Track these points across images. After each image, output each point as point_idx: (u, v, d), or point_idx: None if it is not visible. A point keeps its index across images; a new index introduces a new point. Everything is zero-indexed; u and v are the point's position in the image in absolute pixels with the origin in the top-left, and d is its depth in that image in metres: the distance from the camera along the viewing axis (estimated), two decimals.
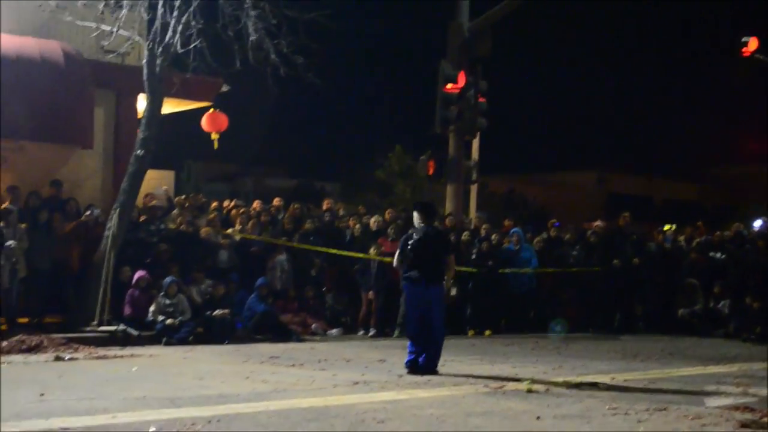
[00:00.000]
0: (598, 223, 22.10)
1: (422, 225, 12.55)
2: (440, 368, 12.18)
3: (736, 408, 9.59)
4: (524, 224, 22.49)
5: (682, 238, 21.97)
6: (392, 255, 18.14)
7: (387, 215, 20.05)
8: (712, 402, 10.04)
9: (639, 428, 8.44)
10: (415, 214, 12.76)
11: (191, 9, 15.19)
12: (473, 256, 19.18)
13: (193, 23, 15.22)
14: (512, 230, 20.47)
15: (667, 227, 23.67)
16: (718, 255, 20.77)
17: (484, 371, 12.24)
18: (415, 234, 12.46)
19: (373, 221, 19.42)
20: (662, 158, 67.56)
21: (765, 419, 8.96)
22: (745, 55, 27.21)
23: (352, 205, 25.26)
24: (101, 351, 13.55)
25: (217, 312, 16.04)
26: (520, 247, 19.86)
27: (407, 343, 12.37)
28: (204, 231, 17.71)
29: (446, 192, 22.40)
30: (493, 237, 19.89)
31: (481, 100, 21.37)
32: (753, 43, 27.11)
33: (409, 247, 12.36)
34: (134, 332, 15.24)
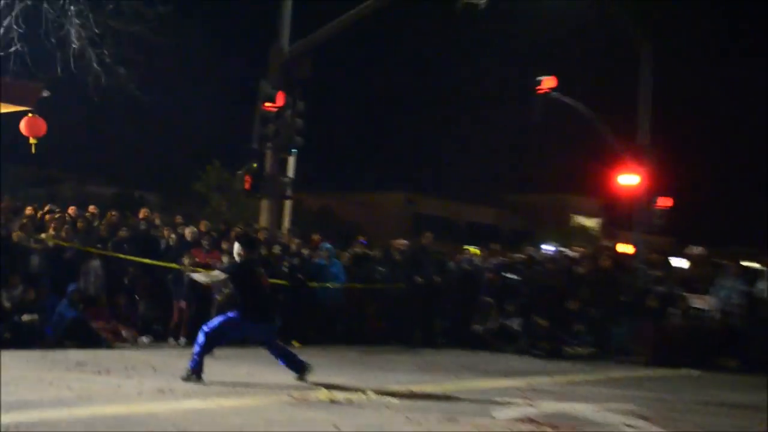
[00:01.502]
0: (402, 241, 22.28)
1: (243, 258, 12.47)
2: (246, 378, 12.05)
3: (521, 420, 9.81)
4: (335, 240, 22.49)
5: (478, 258, 22.37)
6: (206, 266, 17.96)
7: (202, 227, 19.69)
8: (500, 414, 10.23)
9: None
10: (236, 246, 12.59)
11: (13, 13, 14.55)
12: (284, 269, 19.04)
13: (14, 27, 14.60)
14: (323, 245, 20.42)
15: (472, 249, 24.06)
16: (512, 276, 21.25)
17: (289, 381, 12.10)
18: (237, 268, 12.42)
19: (189, 232, 19.01)
20: (466, 183, 69.12)
21: (546, 430, 9.19)
22: (540, 92, 28.10)
23: (169, 216, 24.66)
24: None
25: (25, 317, 15.35)
26: (329, 262, 19.84)
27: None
28: (15, 235, 16.94)
29: (261, 206, 22.21)
30: (304, 251, 19.81)
31: (299, 119, 21.32)
32: (550, 82, 28.06)
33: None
34: None
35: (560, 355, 19.07)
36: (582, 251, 22.74)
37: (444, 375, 14.43)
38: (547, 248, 25.26)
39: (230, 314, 12.25)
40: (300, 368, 12.29)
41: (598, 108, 28.90)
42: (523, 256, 22.24)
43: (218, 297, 17.84)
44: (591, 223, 68.93)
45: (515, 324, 20.40)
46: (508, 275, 21.24)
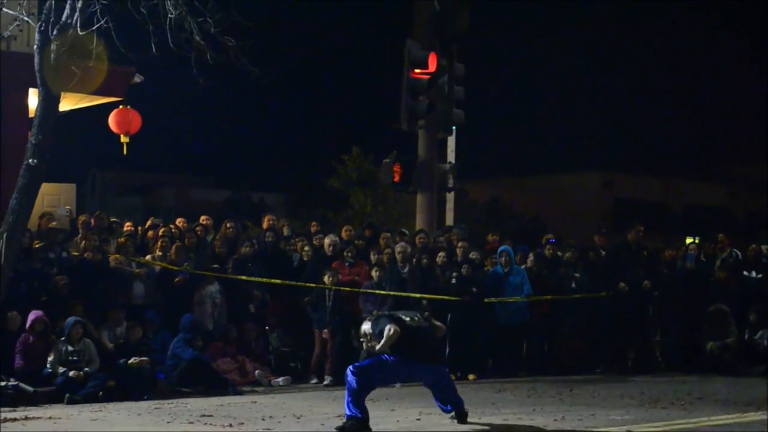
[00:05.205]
0: (598, 239, 21.90)
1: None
2: (414, 423, 12.20)
3: None
4: (514, 241, 22.49)
5: (703, 254, 21.94)
6: (351, 284, 18.25)
7: (344, 234, 20.00)
8: None
9: None
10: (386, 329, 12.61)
11: None
12: (452, 281, 19.14)
13: None
14: (499, 248, 20.41)
15: (689, 241, 23.71)
16: (754, 274, 20.83)
17: (469, 427, 12.20)
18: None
19: (327, 242, 19.34)
20: (681, 155, 67.88)
21: None
22: None
23: (299, 222, 25.14)
24: None
25: (132, 360, 15.85)
26: (509, 270, 19.83)
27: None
28: (113, 259, 17.55)
29: (416, 203, 22.41)
30: (474, 256, 19.82)
31: (458, 87, 21.43)
32: None
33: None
34: (29, 389, 15.04)
35: None
36: None
37: (671, 410, 14.23)
38: None
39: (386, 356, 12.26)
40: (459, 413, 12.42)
41: None
42: None
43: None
44: None
45: (762, 338, 20.03)
46: (749, 274, 20.86)
